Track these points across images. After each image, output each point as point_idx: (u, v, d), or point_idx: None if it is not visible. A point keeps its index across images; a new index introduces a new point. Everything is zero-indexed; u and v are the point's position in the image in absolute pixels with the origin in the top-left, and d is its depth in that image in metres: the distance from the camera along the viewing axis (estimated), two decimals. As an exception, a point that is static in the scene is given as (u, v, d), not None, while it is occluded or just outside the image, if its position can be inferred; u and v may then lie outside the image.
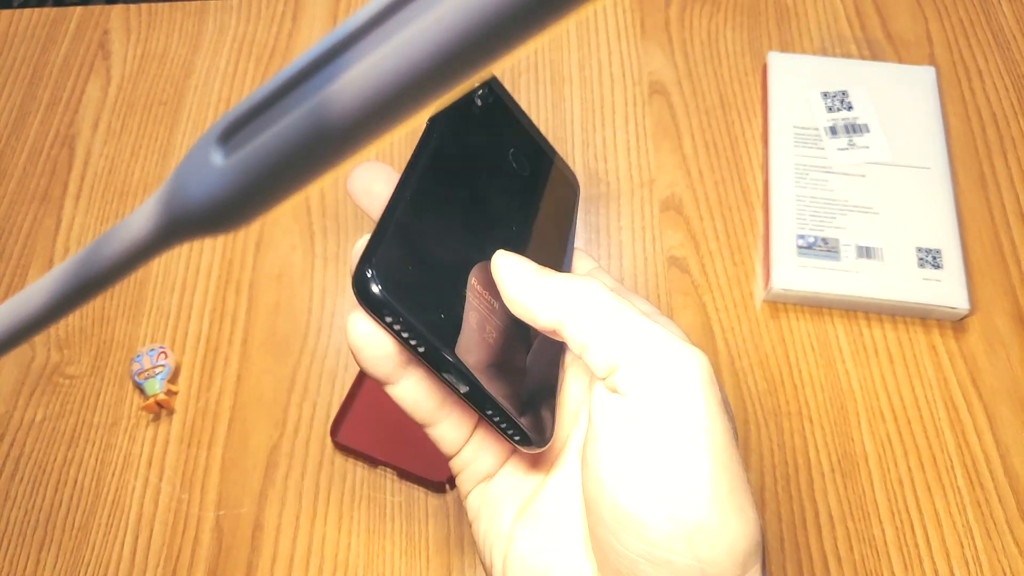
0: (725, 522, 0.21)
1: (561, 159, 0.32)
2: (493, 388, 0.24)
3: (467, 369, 0.23)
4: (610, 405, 0.22)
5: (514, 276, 0.24)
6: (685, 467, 0.21)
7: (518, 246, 0.26)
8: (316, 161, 0.13)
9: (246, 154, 0.14)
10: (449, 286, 0.24)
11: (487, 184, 0.27)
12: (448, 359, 0.23)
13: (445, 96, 0.12)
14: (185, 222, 0.15)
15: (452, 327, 0.23)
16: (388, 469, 0.43)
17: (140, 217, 0.16)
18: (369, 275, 0.21)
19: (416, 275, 0.23)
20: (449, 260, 0.24)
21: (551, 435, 0.25)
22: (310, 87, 0.13)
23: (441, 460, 0.42)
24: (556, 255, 0.29)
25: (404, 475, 0.42)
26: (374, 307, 0.22)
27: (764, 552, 0.22)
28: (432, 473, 0.42)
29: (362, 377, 0.45)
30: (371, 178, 0.26)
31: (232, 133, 0.14)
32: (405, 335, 0.22)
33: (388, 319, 0.22)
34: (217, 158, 0.14)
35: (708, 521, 0.20)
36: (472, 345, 0.23)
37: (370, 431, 0.43)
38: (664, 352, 0.22)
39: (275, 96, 0.14)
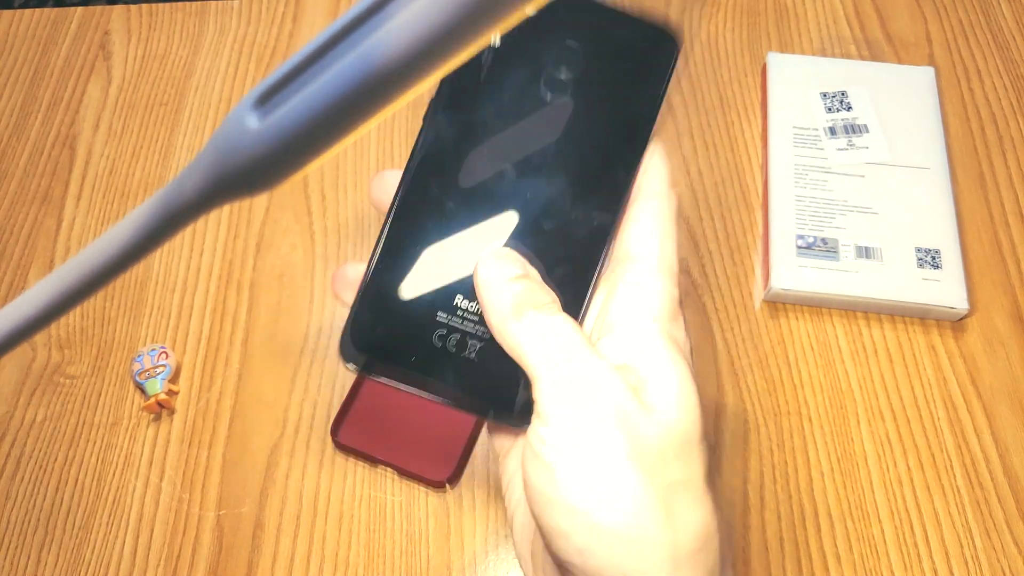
0: (644, 530, 0.21)
1: (643, 21, 0.27)
2: (474, 405, 0.26)
3: (449, 394, 0.26)
4: (539, 435, 0.23)
5: (489, 309, 0.25)
6: (605, 482, 0.22)
7: (541, 216, 0.26)
8: (354, 109, 0.14)
9: (285, 112, 0.15)
10: (429, 319, 0.26)
11: (503, 148, 0.27)
12: (427, 391, 0.26)
13: (497, 23, 0.12)
14: (225, 180, 0.16)
15: (433, 358, 0.26)
16: (388, 468, 0.43)
17: (186, 181, 0.17)
18: (347, 348, 0.26)
19: (391, 330, 0.26)
20: (432, 291, 0.26)
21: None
22: (353, 40, 0.14)
23: (441, 459, 0.42)
24: (614, 172, 0.27)
25: (404, 474, 0.42)
26: (358, 369, 0.26)
27: (722, 553, 0.23)
28: (432, 472, 0.42)
29: (362, 377, 0.45)
30: (390, 187, 0.27)
31: (268, 97, 0.15)
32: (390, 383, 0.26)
33: (374, 376, 0.26)
34: (253, 121, 0.15)
35: (625, 530, 0.22)
36: (451, 365, 0.26)
37: (370, 430, 0.43)
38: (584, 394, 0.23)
39: (311, 59, 0.14)
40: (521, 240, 0.26)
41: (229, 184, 0.16)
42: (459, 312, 0.26)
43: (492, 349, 0.26)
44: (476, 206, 0.26)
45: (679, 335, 0.25)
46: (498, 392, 0.26)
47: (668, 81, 0.27)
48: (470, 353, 0.26)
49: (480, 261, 0.26)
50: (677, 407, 0.23)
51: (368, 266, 0.27)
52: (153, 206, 0.17)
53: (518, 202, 0.26)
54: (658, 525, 0.22)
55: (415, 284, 0.26)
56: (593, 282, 0.26)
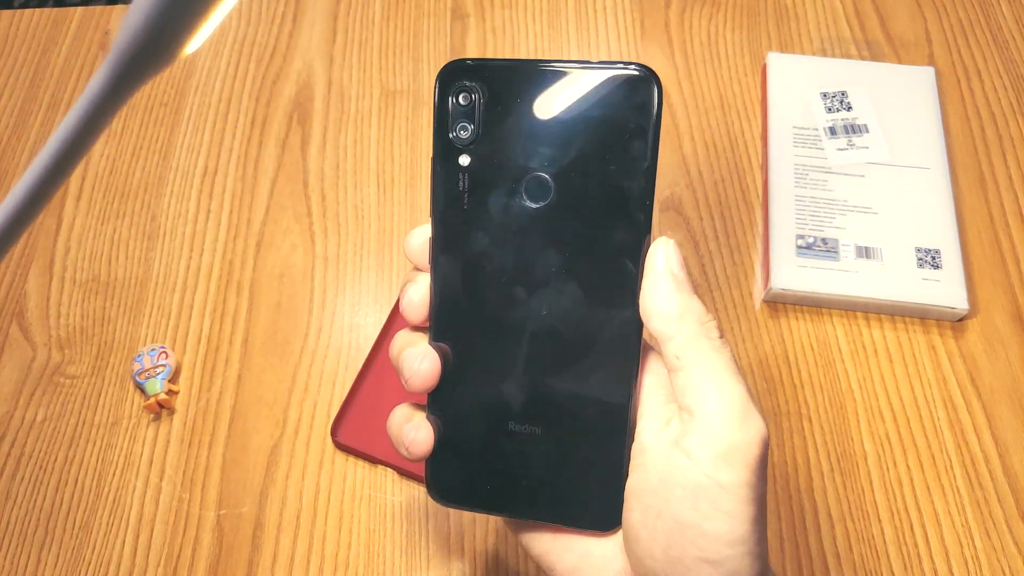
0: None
1: (613, 74, 0.25)
2: (561, 517, 0.28)
3: (536, 514, 0.28)
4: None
5: (655, 292, 0.26)
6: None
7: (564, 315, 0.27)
8: None
9: None
10: (496, 444, 0.28)
11: (515, 268, 0.27)
12: (517, 516, 0.29)
13: None
14: (129, 51, 0.18)
15: (511, 484, 0.28)
16: (388, 468, 0.43)
17: (99, 70, 0.19)
18: (435, 493, 0.29)
19: (468, 468, 0.28)
20: (493, 423, 0.28)
21: (614, 517, 0.27)
22: None
23: None
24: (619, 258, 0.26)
25: (403, 474, 0.42)
26: (452, 504, 0.29)
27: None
28: None
29: (362, 377, 0.45)
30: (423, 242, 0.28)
31: None
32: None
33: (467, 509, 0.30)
34: None
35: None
36: (528, 487, 0.28)
37: (370, 430, 0.43)
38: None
39: None
40: (558, 348, 0.27)
41: (134, 54, 0.18)
42: (519, 435, 0.28)
43: (558, 458, 0.27)
44: (506, 338, 0.27)
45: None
46: (579, 498, 0.27)
47: (656, 134, 0.26)
48: (540, 471, 0.28)
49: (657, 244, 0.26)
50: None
51: (434, 415, 0.28)
52: (81, 99, 0.19)
53: (546, 316, 0.27)
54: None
55: (479, 420, 0.28)
56: (635, 375, 0.27)
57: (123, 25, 0.18)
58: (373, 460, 0.43)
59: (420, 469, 0.41)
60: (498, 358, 0.27)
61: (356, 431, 0.43)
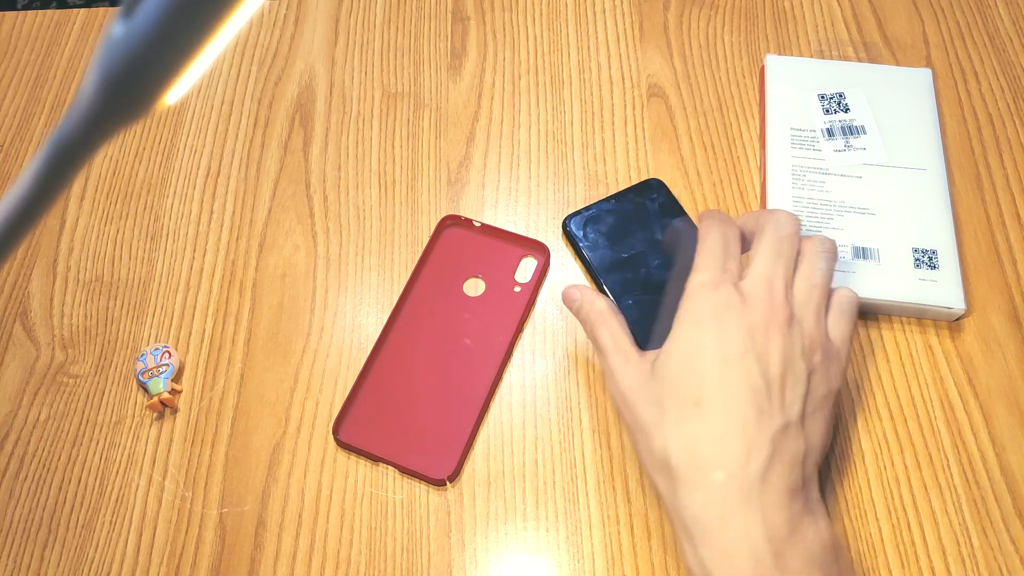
0: None
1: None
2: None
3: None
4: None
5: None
6: None
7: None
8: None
9: (144, 11, 0.15)
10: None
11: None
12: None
13: None
14: (107, 98, 0.16)
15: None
16: (389, 466, 0.43)
17: (71, 113, 0.17)
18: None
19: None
20: None
21: None
22: None
23: (442, 457, 0.43)
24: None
25: (405, 472, 0.43)
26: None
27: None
28: (432, 471, 0.42)
29: (364, 376, 0.45)
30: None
31: (130, 6, 0.15)
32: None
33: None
34: (119, 28, 0.15)
35: None
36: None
37: (371, 429, 0.44)
38: None
39: None
40: None
41: (112, 101, 0.16)
42: None
43: None
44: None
45: None
46: None
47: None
48: None
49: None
50: None
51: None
52: (47, 146, 0.17)
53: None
54: None
55: None
56: None
57: (91, 70, 0.16)
58: (375, 458, 0.43)
59: (421, 467, 0.42)
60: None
61: (357, 430, 0.44)
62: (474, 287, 0.48)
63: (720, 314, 0.37)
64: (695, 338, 0.37)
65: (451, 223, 0.50)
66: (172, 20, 0.15)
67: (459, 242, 0.49)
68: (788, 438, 0.35)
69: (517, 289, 0.47)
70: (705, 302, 0.37)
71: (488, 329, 0.46)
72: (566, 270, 0.49)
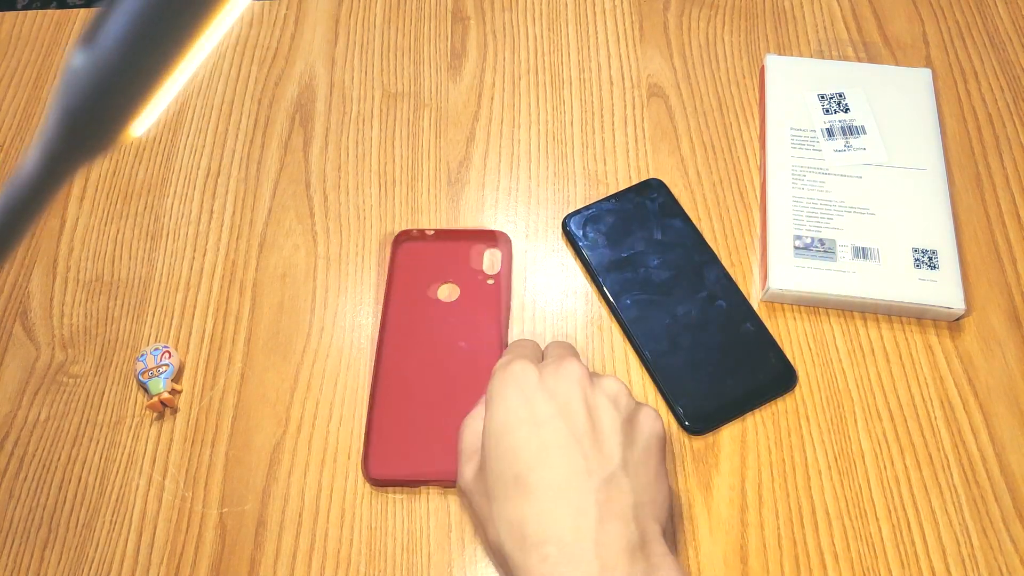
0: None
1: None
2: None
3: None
4: None
5: None
6: None
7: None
8: (170, 27, 0.13)
9: (105, 36, 0.14)
10: None
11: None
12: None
13: None
14: (69, 132, 0.15)
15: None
16: (431, 487, 0.42)
17: (33, 149, 0.16)
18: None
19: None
20: None
21: None
22: None
23: None
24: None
25: (449, 486, 0.42)
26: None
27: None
28: None
29: (373, 407, 0.44)
30: None
31: (89, 34, 0.14)
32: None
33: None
34: (79, 58, 0.14)
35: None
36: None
37: (401, 457, 0.43)
38: None
39: None
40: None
41: (74, 135, 0.15)
42: None
43: None
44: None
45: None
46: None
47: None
48: None
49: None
50: None
51: None
52: (6, 186, 0.16)
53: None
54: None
55: None
56: None
57: (52, 103, 0.15)
58: (414, 484, 0.42)
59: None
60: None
61: (388, 462, 0.43)
62: (448, 292, 0.48)
63: (521, 384, 0.36)
64: (502, 414, 0.35)
65: (404, 239, 0.50)
66: (136, 46, 0.14)
67: (418, 254, 0.49)
68: (613, 489, 0.33)
69: (490, 282, 0.48)
70: (507, 377, 0.37)
71: (476, 327, 0.46)
72: (566, 270, 0.49)
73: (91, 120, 0.15)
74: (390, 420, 0.44)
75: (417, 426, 0.43)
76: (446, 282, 0.48)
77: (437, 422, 0.43)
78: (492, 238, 0.49)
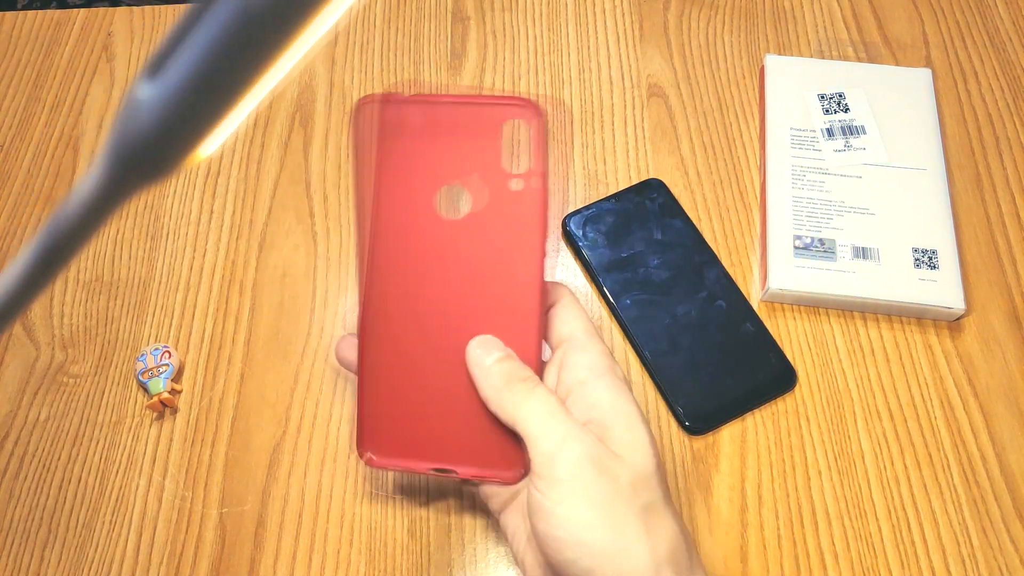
0: (631, 545, 0.28)
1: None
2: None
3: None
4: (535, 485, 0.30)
5: (482, 384, 0.31)
6: (597, 518, 0.29)
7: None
8: (243, 59, 0.13)
9: (172, 72, 0.14)
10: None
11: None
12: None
13: None
14: (130, 163, 0.15)
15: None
16: (442, 476, 0.34)
17: (91, 174, 0.16)
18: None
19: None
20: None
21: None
22: None
23: (503, 450, 0.33)
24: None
25: (467, 480, 0.34)
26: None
27: (689, 551, 0.30)
28: (501, 468, 0.32)
29: (364, 372, 0.35)
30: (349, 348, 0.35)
31: (156, 66, 0.14)
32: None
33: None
34: (144, 90, 0.14)
35: (618, 548, 0.28)
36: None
37: (406, 437, 0.33)
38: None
39: (192, 19, 0.14)
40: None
41: (135, 166, 0.15)
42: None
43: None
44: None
45: (619, 376, 0.32)
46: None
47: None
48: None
49: (468, 347, 0.32)
50: (635, 451, 0.30)
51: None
52: (64, 208, 0.16)
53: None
54: (640, 540, 0.28)
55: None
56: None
57: (120, 124, 0.15)
58: (417, 471, 0.34)
59: (486, 469, 0.33)
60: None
61: (389, 442, 0.34)
62: (452, 202, 0.32)
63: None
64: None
65: (382, 106, 0.32)
66: (206, 82, 0.14)
67: (407, 133, 0.32)
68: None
69: (519, 184, 0.31)
70: None
71: (500, 258, 0.32)
72: (566, 270, 0.49)
73: (155, 150, 0.15)
74: (388, 387, 0.34)
75: (421, 396, 0.33)
76: (449, 184, 0.32)
77: (444, 392, 0.33)
78: (517, 107, 0.31)
